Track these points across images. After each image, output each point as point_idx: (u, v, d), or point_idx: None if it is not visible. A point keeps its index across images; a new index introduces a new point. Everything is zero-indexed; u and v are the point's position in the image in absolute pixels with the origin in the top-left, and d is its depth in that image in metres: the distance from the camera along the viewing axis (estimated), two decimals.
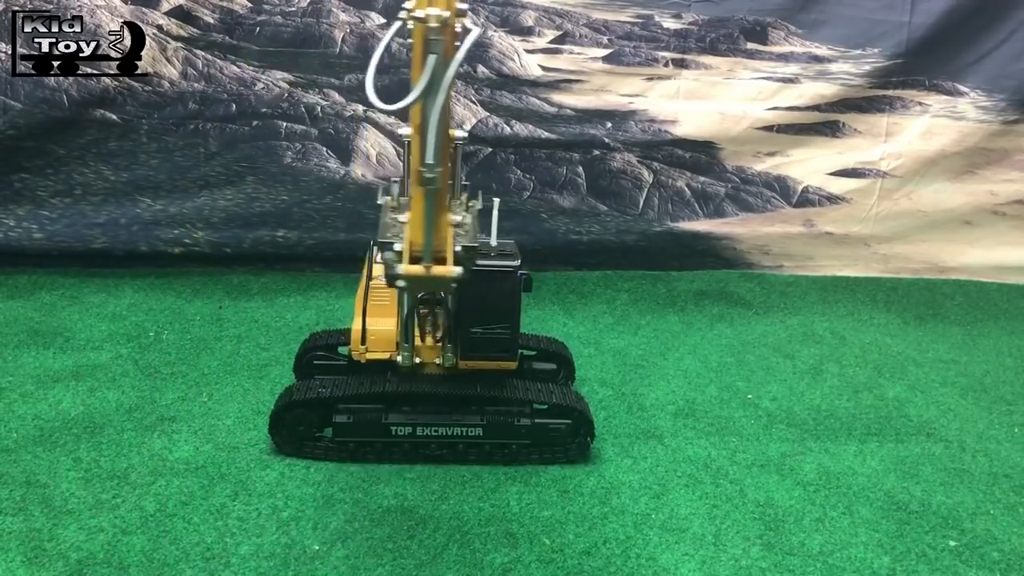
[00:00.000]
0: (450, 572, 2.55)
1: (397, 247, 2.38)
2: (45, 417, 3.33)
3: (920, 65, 5.34)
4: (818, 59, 5.32)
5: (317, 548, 2.63)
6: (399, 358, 3.13)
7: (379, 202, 2.66)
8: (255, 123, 5.08)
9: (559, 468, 3.14)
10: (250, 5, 5.04)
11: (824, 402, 3.82)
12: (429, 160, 2.19)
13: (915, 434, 3.56)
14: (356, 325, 3.15)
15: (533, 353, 3.64)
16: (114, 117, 4.93)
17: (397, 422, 3.09)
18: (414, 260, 2.38)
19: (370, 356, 3.17)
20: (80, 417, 3.34)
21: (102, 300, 4.63)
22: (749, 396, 3.84)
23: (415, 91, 2.09)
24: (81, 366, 3.80)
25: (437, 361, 3.18)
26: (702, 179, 5.45)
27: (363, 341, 3.15)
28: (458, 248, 2.43)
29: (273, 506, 2.83)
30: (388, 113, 2.15)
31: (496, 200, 2.85)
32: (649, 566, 2.62)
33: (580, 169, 5.28)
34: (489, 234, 2.72)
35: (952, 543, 2.82)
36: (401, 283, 2.41)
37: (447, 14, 2.08)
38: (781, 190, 5.51)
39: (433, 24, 2.05)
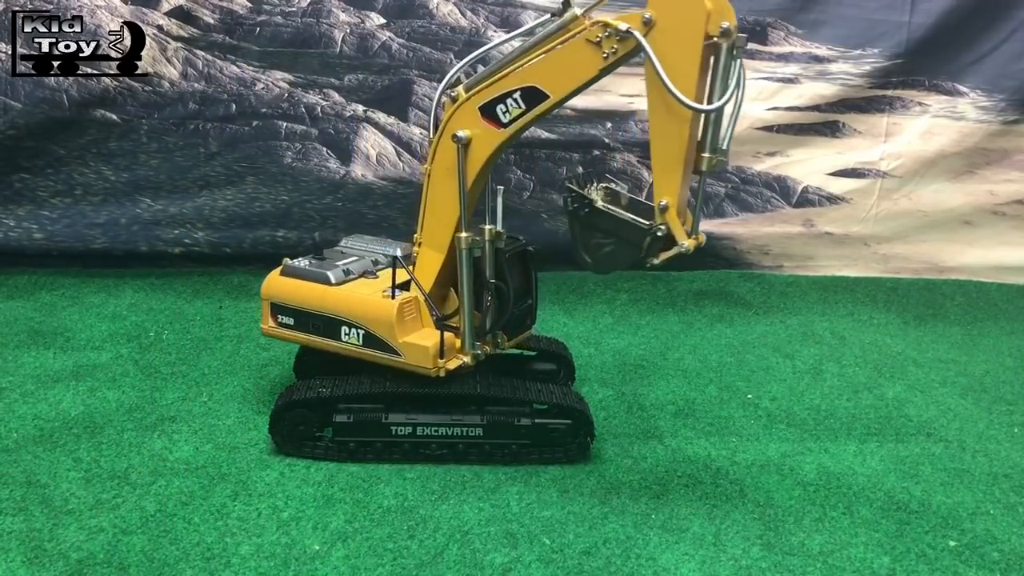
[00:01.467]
0: (450, 572, 2.55)
1: (663, 231, 2.66)
2: (45, 417, 3.33)
3: (920, 65, 5.34)
4: (818, 59, 5.32)
5: (317, 548, 2.63)
6: (468, 358, 3.09)
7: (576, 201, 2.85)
8: (255, 123, 5.08)
9: (559, 468, 3.13)
10: (250, 5, 5.05)
11: (824, 402, 3.82)
12: (725, 147, 2.60)
13: (915, 434, 3.56)
14: (427, 342, 3.01)
15: (533, 354, 3.64)
16: (114, 117, 4.93)
17: (397, 422, 3.09)
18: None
19: (449, 367, 3.06)
20: (80, 417, 3.34)
21: (102, 300, 4.63)
22: (749, 396, 3.84)
23: (729, 91, 2.51)
24: (81, 366, 3.80)
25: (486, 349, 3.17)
26: None
27: (442, 355, 3.03)
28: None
29: (273, 506, 2.83)
30: (707, 113, 2.56)
31: (500, 188, 3.02)
32: (649, 566, 2.62)
33: (580, 169, 5.28)
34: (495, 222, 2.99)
35: (952, 543, 2.82)
36: (655, 260, 2.69)
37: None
38: (781, 190, 5.51)
39: (740, 34, 2.47)
